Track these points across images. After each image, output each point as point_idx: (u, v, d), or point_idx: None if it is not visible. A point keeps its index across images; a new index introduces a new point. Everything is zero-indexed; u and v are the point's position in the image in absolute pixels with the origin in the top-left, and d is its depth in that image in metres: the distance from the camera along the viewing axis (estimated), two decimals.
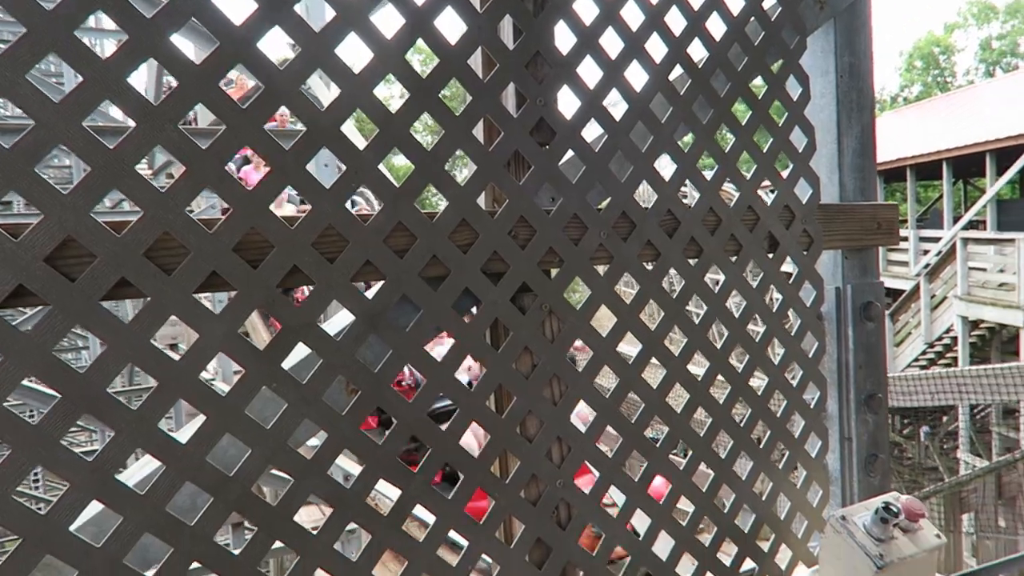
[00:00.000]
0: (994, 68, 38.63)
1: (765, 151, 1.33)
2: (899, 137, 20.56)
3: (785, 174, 1.35)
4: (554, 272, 1.15)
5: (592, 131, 1.20)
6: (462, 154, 1.08)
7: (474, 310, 1.11)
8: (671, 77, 1.25)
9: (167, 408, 0.91)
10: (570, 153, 1.19)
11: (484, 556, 1.05)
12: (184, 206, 0.90)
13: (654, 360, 1.20)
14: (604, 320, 1.21)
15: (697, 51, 1.26)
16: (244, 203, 0.92)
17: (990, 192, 15.83)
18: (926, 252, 17.14)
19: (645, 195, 1.23)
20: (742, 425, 1.26)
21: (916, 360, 14.53)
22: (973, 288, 13.94)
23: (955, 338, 14.16)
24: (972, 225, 16.17)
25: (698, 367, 1.28)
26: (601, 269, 1.17)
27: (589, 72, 1.20)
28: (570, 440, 1.11)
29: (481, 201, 1.16)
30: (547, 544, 1.07)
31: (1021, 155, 14.58)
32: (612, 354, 1.15)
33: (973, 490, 4.34)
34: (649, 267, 1.21)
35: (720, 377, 1.27)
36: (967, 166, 17.25)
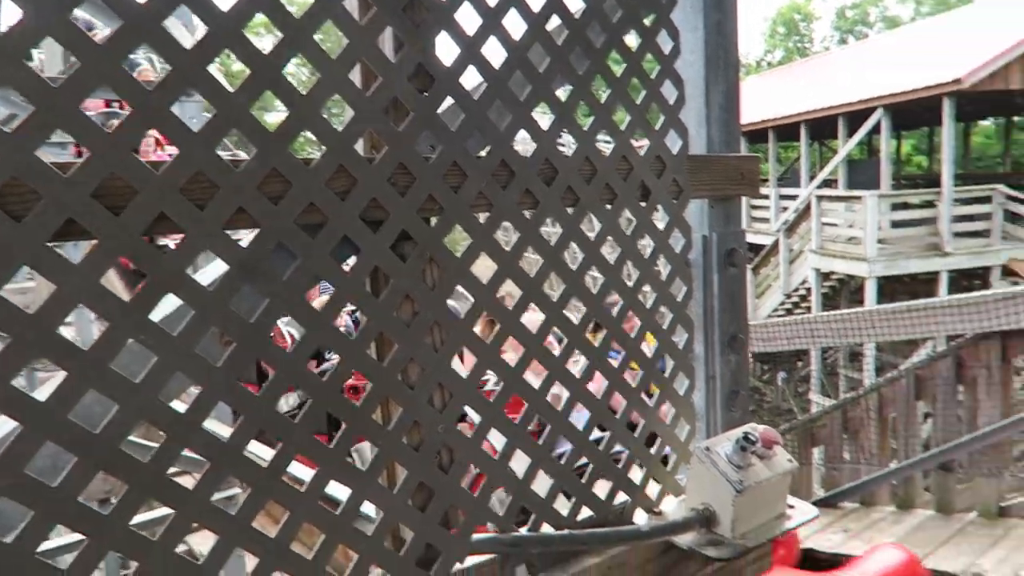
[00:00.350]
0: (847, 36, 41.15)
1: (638, 103, 1.38)
2: (762, 100, 21.60)
3: (657, 126, 1.40)
4: (434, 220, 1.15)
5: (471, 80, 1.20)
6: (338, 112, 1.06)
7: (353, 259, 1.10)
8: (549, 27, 1.26)
9: (20, 366, 0.85)
10: (449, 101, 1.18)
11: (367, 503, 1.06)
12: (34, 148, 0.84)
13: (533, 306, 1.24)
14: (485, 277, 1.22)
15: (574, 1, 1.28)
16: (104, 146, 0.87)
17: (842, 153, 16.96)
18: (785, 209, 18.22)
19: (523, 144, 1.25)
20: (616, 366, 1.31)
21: (776, 310, 15.59)
22: (826, 242, 15.01)
23: (809, 289, 15.27)
24: (826, 184, 17.34)
25: (575, 313, 1.33)
26: (481, 217, 1.18)
27: (468, 19, 1.19)
28: (451, 386, 1.13)
29: (360, 148, 1.14)
30: (430, 488, 1.09)
31: (868, 118, 15.67)
32: (492, 301, 1.17)
33: (823, 426, 4.75)
34: (528, 215, 1.23)
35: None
36: (822, 128, 18.40)
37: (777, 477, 1.25)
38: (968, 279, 13.60)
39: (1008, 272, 13.56)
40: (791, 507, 1.33)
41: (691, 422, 1.44)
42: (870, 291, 13.61)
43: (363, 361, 1.06)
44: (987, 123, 27.14)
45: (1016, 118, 23.60)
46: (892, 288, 13.73)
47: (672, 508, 1.33)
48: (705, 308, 1.50)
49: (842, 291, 15.36)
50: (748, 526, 1.23)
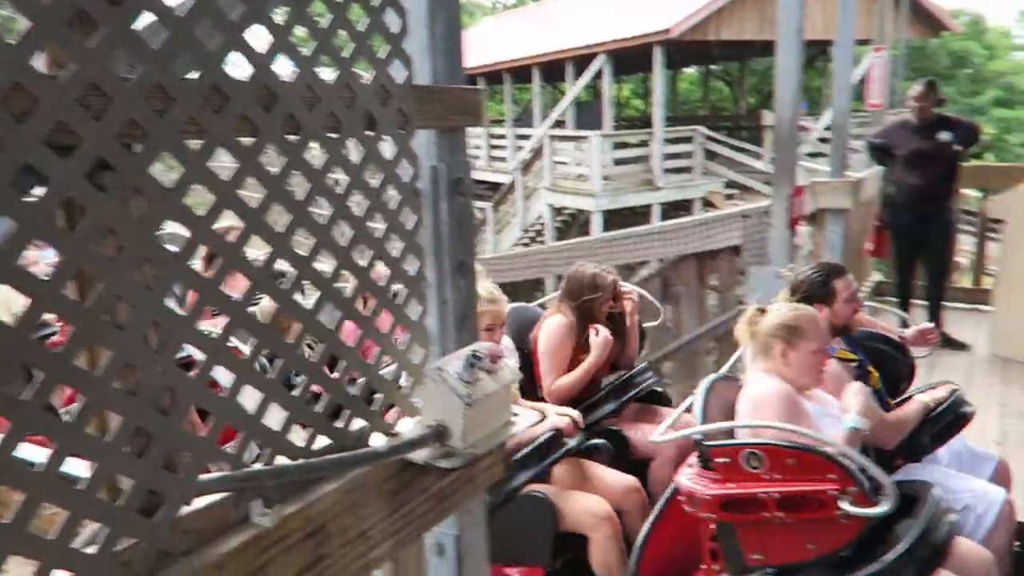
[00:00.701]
0: None
1: (362, 30, 1.36)
2: (498, 42, 22.17)
3: (381, 55, 1.40)
4: (138, 147, 1.06)
5: None
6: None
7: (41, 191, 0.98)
8: None
9: None
10: (151, 16, 1.08)
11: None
12: None
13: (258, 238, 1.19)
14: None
15: None
16: None
17: (570, 95, 18.05)
18: (521, 148, 19.07)
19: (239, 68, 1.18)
20: (349, 296, 1.32)
21: (515, 245, 16.46)
22: (558, 179, 16.03)
23: (544, 223, 16.29)
24: (557, 124, 18.39)
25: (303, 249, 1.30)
26: (193, 144, 1.11)
27: None
28: (168, 324, 1.06)
29: (41, 67, 1.00)
30: (149, 432, 1.03)
31: (592, 63, 16.79)
32: (209, 234, 1.11)
33: None
34: (248, 143, 1.17)
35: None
36: (553, 71, 19.41)
37: (502, 388, 1.35)
38: (676, 211, 15.36)
39: (707, 203, 15.54)
40: (515, 415, 1.45)
41: (425, 346, 1.49)
42: (596, 224, 14.86)
43: (60, 303, 0.95)
44: (691, 71, 30.37)
45: (713, 67, 26.68)
46: (615, 221, 15.09)
47: (409, 428, 1.39)
48: (435, 236, 1.55)
49: (573, 224, 16.59)
50: (478, 436, 1.32)
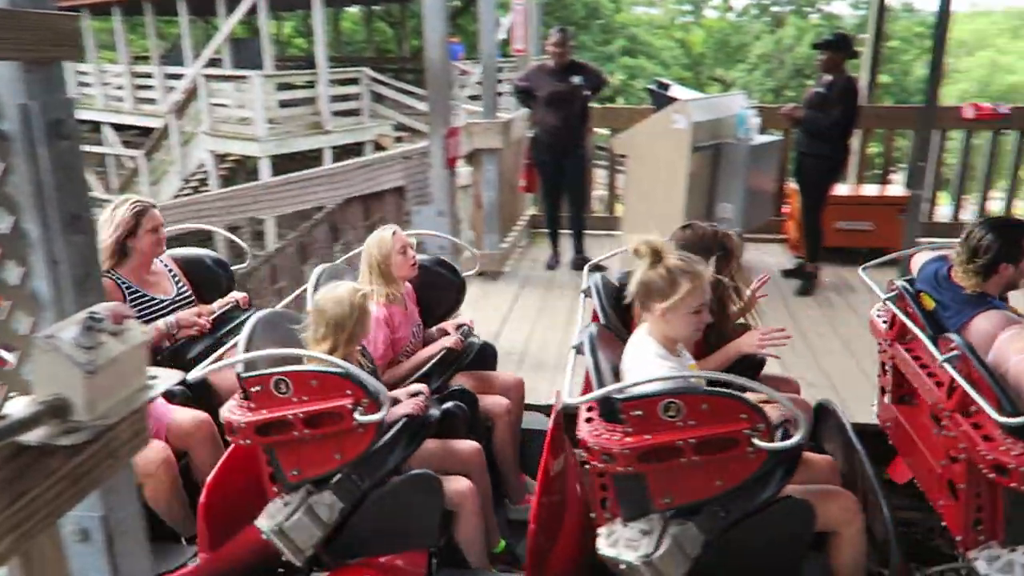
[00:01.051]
0: None
1: None
2: None
3: None
4: None
5: None
6: None
7: None
8: None
9: None
10: None
11: None
12: None
13: None
14: None
15: None
16: None
17: (224, 30, 16.73)
18: (173, 89, 17.35)
19: None
20: None
21: (177, 196, 15.06)
22: (218, 123, 14.93)
23: (207, 172, 15.13)
24: (213, 63, 16.97)
25: None
26: None
27: None
28: None
29: None
30: None
31: None
32: None
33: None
34: None
35: None
36: (202, 3, 17.70)
37: (132, 349, 1.24)
38: (348, 154, 15.21)
39: (378, 146, 15.63)
40: (154, 376, 1.35)
41: (33, 313, 1.31)
42: (264, 170, 14.18)
43: None
44: (353, 10, 29.82)
45: (375, 7, 26.53)
46: (285, 166, 14.51)
47: (20, 408, 1.22)
48: (36, 186, 1.35)
49: (240, 172, 15.64)
50: (108, 405, 1.20)
